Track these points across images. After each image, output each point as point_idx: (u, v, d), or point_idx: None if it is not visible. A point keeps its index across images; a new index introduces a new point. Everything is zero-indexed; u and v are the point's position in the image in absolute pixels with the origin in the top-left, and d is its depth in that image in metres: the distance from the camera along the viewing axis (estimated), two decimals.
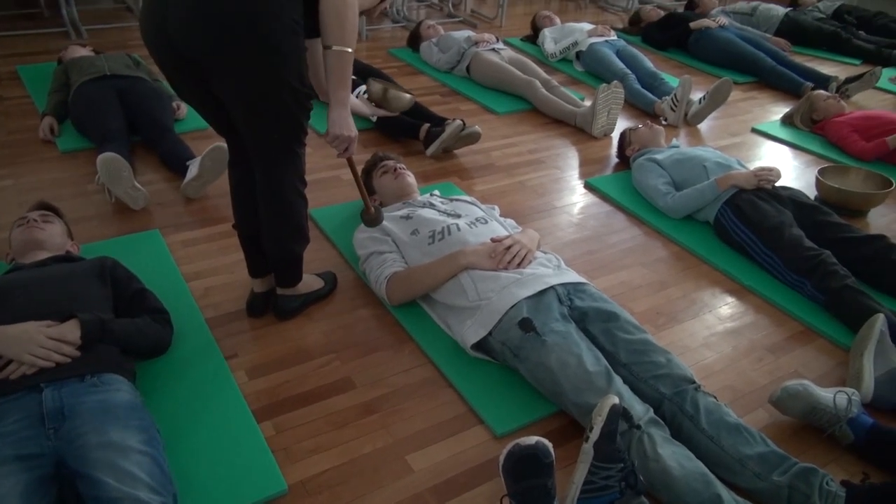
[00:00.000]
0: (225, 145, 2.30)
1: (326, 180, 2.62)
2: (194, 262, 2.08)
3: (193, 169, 2.39)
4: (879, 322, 1.75)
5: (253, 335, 1.80)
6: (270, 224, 1.70)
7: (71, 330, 1.39)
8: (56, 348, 1.35)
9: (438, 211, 2.00)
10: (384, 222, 1.98)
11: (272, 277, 1.86)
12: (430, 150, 2.83)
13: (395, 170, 2.20)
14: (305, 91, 1.49)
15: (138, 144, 2.72)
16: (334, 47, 1.45)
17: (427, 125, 2.88)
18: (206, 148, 2.34)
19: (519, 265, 1.78)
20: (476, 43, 3.75)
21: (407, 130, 2.94)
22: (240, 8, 1.35)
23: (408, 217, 1.97)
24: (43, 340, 1.34)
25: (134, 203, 2.31)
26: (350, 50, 1.47)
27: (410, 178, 2.21)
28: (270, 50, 1.39)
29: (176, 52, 1.43)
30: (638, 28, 4.80)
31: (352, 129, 1.56)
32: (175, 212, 2.35)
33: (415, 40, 4.15)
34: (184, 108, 3.00)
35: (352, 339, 1.81)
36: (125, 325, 1.53)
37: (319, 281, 1.96)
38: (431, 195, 2.16)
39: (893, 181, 2.60)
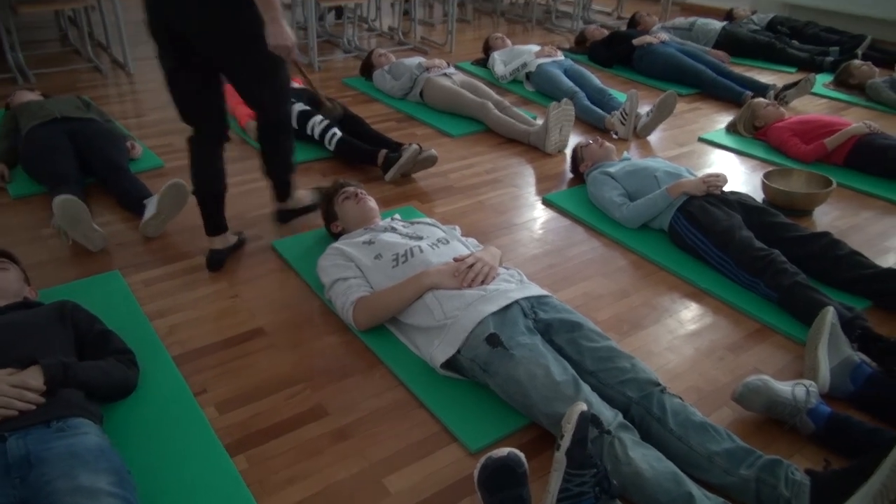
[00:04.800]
0: (182, 182, 2.32)
1: None
2: (157, 301, 2.06)
3: (151, 207, 2.37)
4: (830, 315, 1.82)
5: (221, 370, 1.78)
6: (280, 154, 2.32)
7: (33, 376, 1.37)
8: (18, 396, 1.32)
9: (400, 234, 2.02)
10: (346, 248, 2.00)
11: (228, 235, 2.29)
12: (389, 175, 2.86)
13: (357, 195, 2.22)
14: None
15: (93, 186, 2.69)
16: None
17: (384, 151, 2.91)
18: (163, 185, 2.33)
19: (482, 282, 1.81)
20: (428, 69, 3.82)
21: (364, 157, 2.97)
22: (235, 22, 1.90)
23: (370, 242, 1.99)
24: (4, 388, 1.32)
25: (92, 245, 2.27)
26: None
27: (372, 203, 2.23)
28: (258, 38, 1.89)
29: (183, 47, 1.93)
30: (584, 47, 4.95)
31: (287, 38, 1.90)
32: (135, 251, 2.32)
33: (367, 69, 4.20)
34: (138, 148, 2.98)
35: (321, 367, 1.81)
36: (89, 368, 1.51)
37: (309, 196, 2.48)
38: (392, 219, 2.18)
39: (834, 181, 2.72)
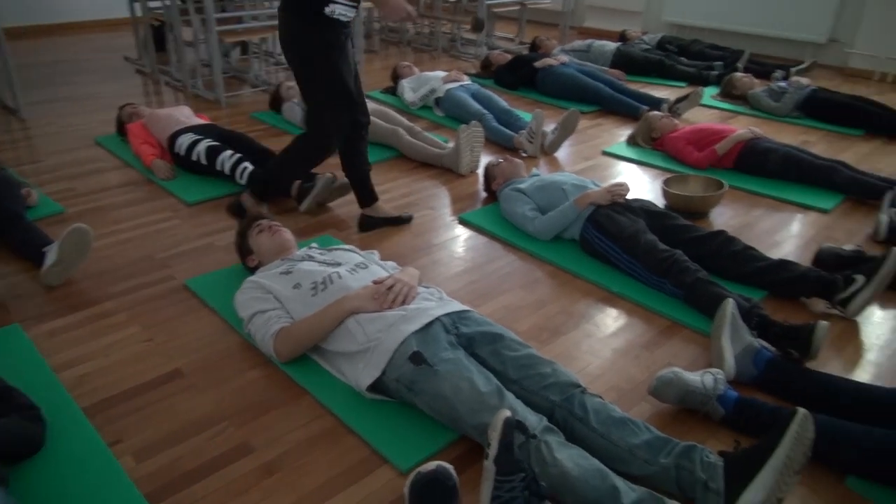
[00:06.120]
0: (85, 226, 2.23)
1: (199, 249, 2.57)
2: (63, 352, 1.96)
3: (52, 255, 2.26)
4: (730, 306, 1.94)
5: (137, 417, 1.71)
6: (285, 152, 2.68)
7: None
8: None
9: (318, 262, 2.02)
10: (263, 280, 1.97)
11: (376, 207, 2.75)
12: (304, 205, 2.84)
13: (271, 227, 2.20)
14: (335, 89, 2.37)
15: None
16: None
17: (298, 182, 2.90)
18: (64, 231, 2.23)
19: (403, 302, 1.82)
20: None
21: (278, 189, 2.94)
22: (290, 39, 2.35)
23: (288, 272, 1.97)
24: None
25: None
26: None
27: (287, 234, 2.21)
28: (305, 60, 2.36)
29: None
30: (489, 71, 5.11)
31: (400, 11, 2.26)
32: (35, 302, 2.20)
33: (276, 102, 4.18)
34: (34, 195, 2.84)
35: (244, 403, 1.76)
36: None
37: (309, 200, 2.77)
38: (310, 248, 2.17)
39: (726, 183, 2.92)
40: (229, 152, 3.05)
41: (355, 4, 2.30)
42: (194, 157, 3.10)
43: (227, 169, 3.01)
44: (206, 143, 3.10)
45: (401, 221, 2.80)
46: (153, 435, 1.65)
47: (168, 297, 2.25)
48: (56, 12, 6.72)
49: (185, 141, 3.14)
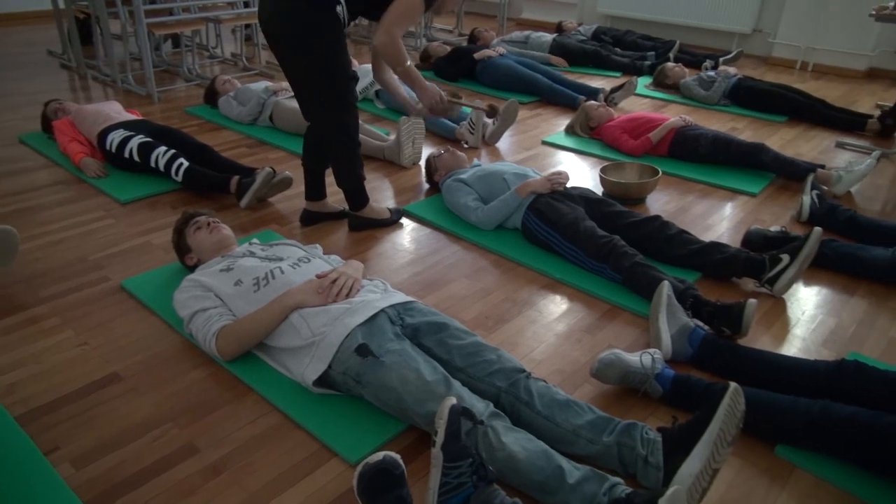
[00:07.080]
0: (11, 228, 2.14)
1: (135, 248, 2.49)
2: None
3: None
4: (665, 288, 2.01)
5: (74, 423, 1.65)
6: (332, 164, 2.58)
7: None
8: None
9: (259, 258, 1.99)
10: (203, 278, 1.93)
11: (322, 203, 2.72)
12: (244, 201, 2.79)
13: (209, 224, 2.15)
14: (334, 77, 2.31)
15: None
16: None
17: (237, 177, 2.84)
18: None
19: (347, 295, 1.82)
20: (276, 92, 3.78)
21: (216, 184, 2.88)
22: (299, 28, 2.22)
23: (228, 269, 1.94)
24: None
25: None
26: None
27: (226, 231, 2.17)
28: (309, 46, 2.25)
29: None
30: (429, 63, 5.10)
31: (432, 95, 2.50)
32: None
33: (212, 96, 4.07)
34: None
35: (187, 404, 1.73)
36: None
37: (386, 212, 2.73)
38: (251, 244, 2.14)
39: (660, 170, 3.02)
40: (163, 148, 2.96)
41: (350, 18, 2.31)
42: (126, 154, 3.00)
43: (161, 165, 2.93)
44: (138, 140, 3.00)
45: (341, 214, 2.75)
46: (92, 441, 1.60)
47: (103, 299, 2.18)
48: None
49: (116, 137, 3.03)
